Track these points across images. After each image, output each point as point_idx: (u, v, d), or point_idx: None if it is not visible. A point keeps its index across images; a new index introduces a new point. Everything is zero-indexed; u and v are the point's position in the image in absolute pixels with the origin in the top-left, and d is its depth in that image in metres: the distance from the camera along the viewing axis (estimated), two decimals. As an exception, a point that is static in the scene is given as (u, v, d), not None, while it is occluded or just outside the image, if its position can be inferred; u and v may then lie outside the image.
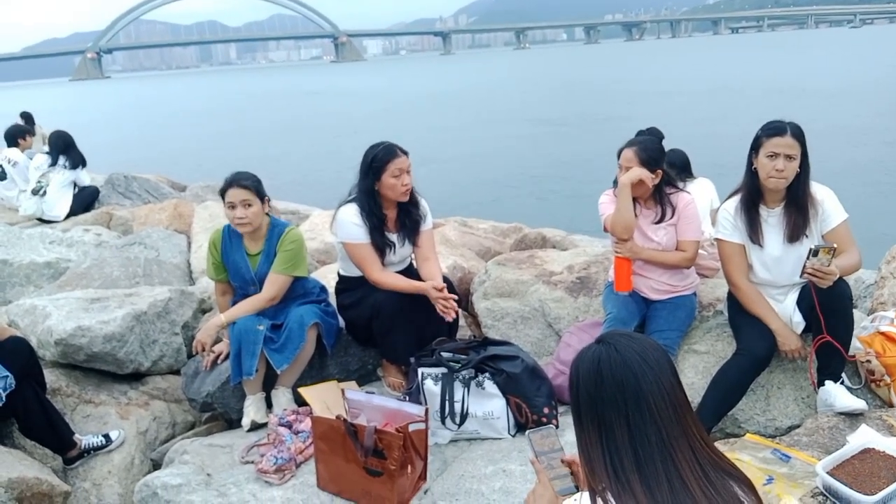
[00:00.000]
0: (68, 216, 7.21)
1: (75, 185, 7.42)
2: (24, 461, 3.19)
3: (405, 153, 3.37)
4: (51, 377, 3.61)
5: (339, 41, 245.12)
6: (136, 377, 3.90)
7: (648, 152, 3.31)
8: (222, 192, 3.38)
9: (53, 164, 7.26)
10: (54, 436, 3.29)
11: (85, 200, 7.52)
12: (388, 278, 3.38)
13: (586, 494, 1.43)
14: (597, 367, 1.44)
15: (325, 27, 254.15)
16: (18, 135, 8.02)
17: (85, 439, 3.38)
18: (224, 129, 30.48)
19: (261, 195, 3.39)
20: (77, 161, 7.38)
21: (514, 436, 3.07)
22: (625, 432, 1.40)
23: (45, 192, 7.15)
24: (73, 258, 5.73)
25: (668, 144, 4.08)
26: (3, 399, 3.06)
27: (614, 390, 1.41)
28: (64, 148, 7.35)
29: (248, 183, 3.36)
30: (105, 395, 3.73)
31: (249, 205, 3.34)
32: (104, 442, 3.41)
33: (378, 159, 3.33)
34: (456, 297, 3.31)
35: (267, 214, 3.47)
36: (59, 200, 7.21)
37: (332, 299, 3.70)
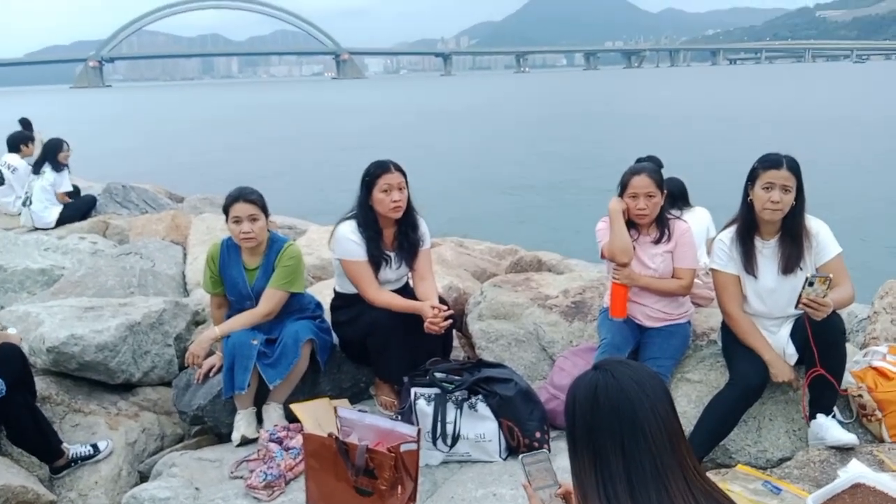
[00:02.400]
0: (61, 222, 7.16)
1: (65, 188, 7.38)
2: (10, 469, 3.16)
3: (399, 170, 3.39)
4: (41, 385, 3.58)
5: (341, 58, 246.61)
6: (127, 388, 3.88)
7: (659, 175, 3.39)
8: (227, 207, 3.39)
9: (36, 172, 7.24)
10: (42, 444, 3.26)
11: (81, 209, 7.49)
12: (384, 297, 3.39)
13: (579, 519, 1.43)
14: (593, 393, 1.45)
15: (328, 44, 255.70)
16: (21, 141, 8.01)
17: (73, 448, 3.35)
18: (223, 142, 30.54)
19: (265, 210, 3.41)
20: (55, 166, 7.29)
21: (505, 459, 3.06)
22: (619, 459, 1.40)
23: (31, 202, 7.13)
24: (68, 266, 5.71)
25: (665, 173, 4.11)
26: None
27: (610, 417, 1.42)
28: (47, 155, 7.34)
29: (255, 198, 3.39)
30: (95, 404, 3.71)
31: (256, 219, 3.36)
32: (92, 452, 3.38)
33: (369, 174, 3.39)
34: (451, 311, 3.32)
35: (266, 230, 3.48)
36: (46, 207, 7.16)
37: (328, 315, 3.70)
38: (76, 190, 7.71)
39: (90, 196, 7.78)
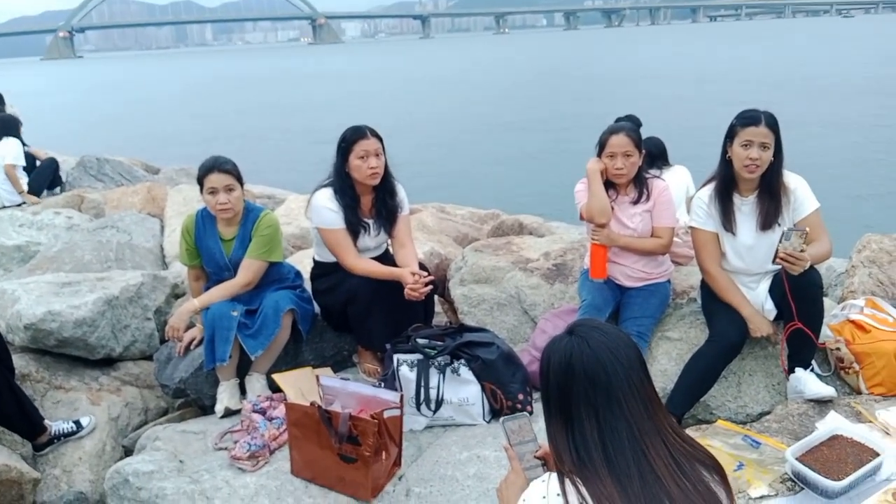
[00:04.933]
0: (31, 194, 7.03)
1: (29, 160, 7.22)
2: (-8, 448, 3.14)
3: (376, 136, 3.34)
4: (20, 362, 3.54)
5: (317, 23, 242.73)
6: (108, 363, 3.85)
7: (637, 134, 3.37)
8: (201, 178, 3.33)
9: None
10: (24, 421, 3.23)
11: (44, 173, 7.31)
12: (363, 264, 3.36)
13: (554, 476, 1.44)
14: (568, 361, 1.45)
15: (303, 9, 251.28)
16: None
17: (55, 425, 3.33)
18: (198, 112, 30.10)
19: (240, 180, 3.36)
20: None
21: (488, 422, 3.08)
22: (594, 426, 1.41)
23: None
24: (44, 241, 5.64)
25: (646, 132, 4.09)
26: None
27: (585, 386, 1.42)
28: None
29: (230, 167, 3.32)
30: (76, 380, 3.68)
31: (232, 189, 3.30)
32: (75, 428, 3.36)
33: (346, 140, 3.33)
34: (431, 277, 3.31)
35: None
36: (7, 184, 7.00)
37: (308, 285, 3.67)
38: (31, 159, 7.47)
39: (49, 159, 7.55)
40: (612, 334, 1.48)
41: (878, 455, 2.39)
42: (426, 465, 2.80)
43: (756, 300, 3.12)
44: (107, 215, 6.15)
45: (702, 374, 3.02)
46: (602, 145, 3.36)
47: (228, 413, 3.24)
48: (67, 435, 3.34)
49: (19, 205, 6.90)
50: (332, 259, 3.45)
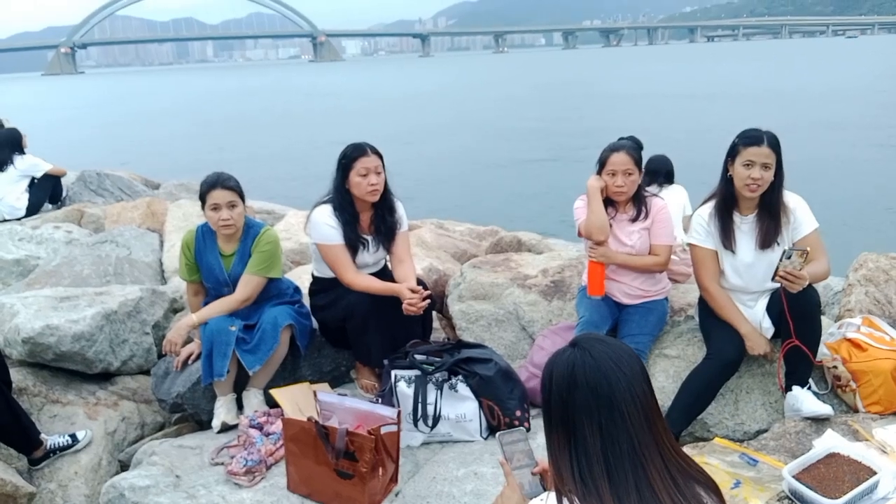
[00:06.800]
0: (31, 209, 7.02)
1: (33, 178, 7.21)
2: (-13, 462, 3.12)
3: (376, 153, 3.36)
4: (17, 376, 3.54)
5: (318, 41, 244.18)
6: (106, 377, 3.85)
7: (638, 153, 3.39)
8: (203, 194, 3.34)
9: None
10: (20, 435, 3.22)
11: (46, 189, 7.30)
12: (362, 280, 3.37)
13: (553, 494, 1.44)
14: (571, 372, 1.44)
15: (304, 26, 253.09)
16: None
17: (51, 439, 3.32)
18: (199, 127, 30.21)
19: (242, 196, 3.38)
20: (8, 156, 7.05)
21: (486, 438, 3.07)
22: (597, 438, 1.40)
23: None
24: (43, 256, 5.64)
25: (646, 153, 4.12)
26: None
27: (588, 396, 1.42)
28: (13, 148, 7.13)
29: (232, 184, 3.34)
30: (73, 394, 3.67)
31: (234, 206, 3.32)
32: (70, 442, 3.35)
33: (346, 156, 3.35)
34: (429, 292, 3.31)
35: (242, 215, 3.44)
36: (10, 197, 7.00)
37: (306, 300, 3.68)
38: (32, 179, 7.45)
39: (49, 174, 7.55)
40: (616, 346, 1.48)
41: (874, 473, 2.39)
42: (423, 481, 2.79)
43: (754, 318, 3.13)
44: (106, 230, 6.14)
45: (699, 391, 3.02)
46: (603, 163, 3.38)
47: (225, 428, 3.23)
48: (63, 449, 3.33)
49: (19, 219, 6.90)
50: (330, 275, 3.46)
